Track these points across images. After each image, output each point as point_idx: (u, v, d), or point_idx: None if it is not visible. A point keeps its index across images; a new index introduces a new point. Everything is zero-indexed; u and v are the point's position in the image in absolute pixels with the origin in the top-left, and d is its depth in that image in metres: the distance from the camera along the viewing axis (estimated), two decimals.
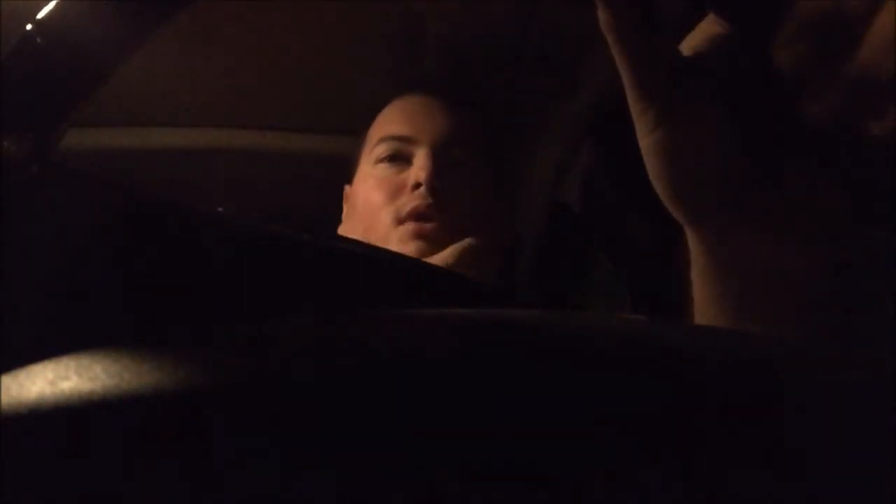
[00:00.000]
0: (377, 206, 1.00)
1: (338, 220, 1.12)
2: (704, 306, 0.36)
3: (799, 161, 0.33)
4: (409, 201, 0.98)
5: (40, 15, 0.34)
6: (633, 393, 0.21)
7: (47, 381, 0.20)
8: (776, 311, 0.34)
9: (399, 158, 1.02)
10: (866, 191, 0.32)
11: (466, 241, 0.95)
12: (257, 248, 0.33)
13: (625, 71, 0.34)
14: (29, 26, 0.34)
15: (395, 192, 1.00)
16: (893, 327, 0.32)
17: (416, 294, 0.36)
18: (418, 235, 0.96)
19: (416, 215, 0.97)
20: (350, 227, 1.07)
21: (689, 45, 0.35)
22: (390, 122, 1.06)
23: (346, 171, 1.14)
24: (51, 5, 0.35)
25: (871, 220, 0.32)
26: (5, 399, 0.19)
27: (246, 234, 0.34)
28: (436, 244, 0.96)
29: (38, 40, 0.34)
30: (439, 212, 0.97)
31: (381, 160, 1.03)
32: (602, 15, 0.33)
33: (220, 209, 0.37)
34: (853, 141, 0.30)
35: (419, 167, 0.99)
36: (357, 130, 1.21)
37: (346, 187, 1.12)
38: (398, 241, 0.96)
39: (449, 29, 1.14)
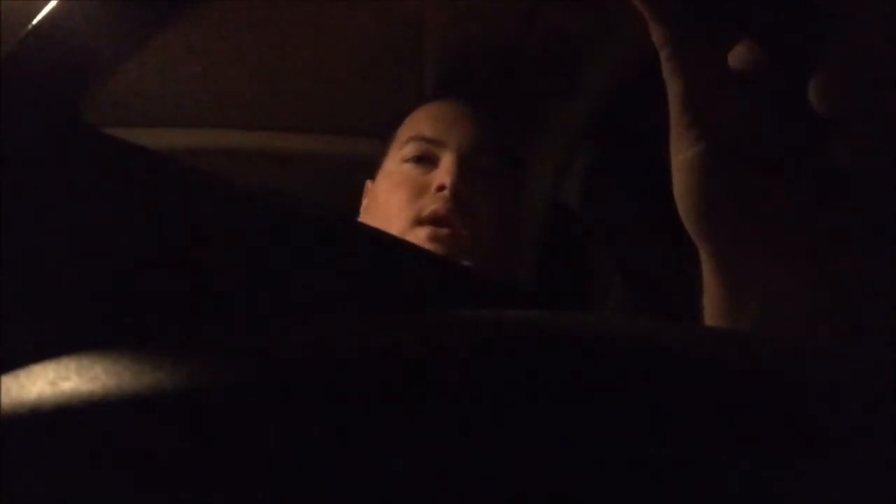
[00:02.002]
0: (398, 204, 1.00)
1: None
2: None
3: (825, 189, 0.32)
4: (431, 203, 0.98)
5: (40, 15, 0.34)
6: (635, 394, 0.21)
7: (47, 381, 0.20)
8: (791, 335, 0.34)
9: (426, 160, 1.03)
10: (892, 223, 0.32)
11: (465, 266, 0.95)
12: (292, 229, 0.33)
13: (674, 84, 0.34)
14: (29, 26, 0.34)
15: (417, 193, 1.00)
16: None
17: (428, 289, 0.36)
18: (434, 239, 0.97)
19: (436, 219, 0.97)
20: (368, 221, 1.07)
21: (733, 59, 0.35)
22: (420, 123, 1.07)
23: (345, 170, 1.14)
24: (50, 5, 0.35)
25: (888, 255, 0.32)
26: (5, 399, 0.19)
27: (278, 214, 0.34)
28: (451, 249, 0.96)
29: (39, 40, 0.34)
30: (459, 217, 0.98)
31: (407, 159, 1.04)
32: (656, 29, 0.33)
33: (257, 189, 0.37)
34: (882, 177, 0.30)
35: (445, 171, 1.00)
36: (357, 131, 1.21)
37: (368, 182, 1.12)
38: (414, 241, 0.97)
39: (449, 30, 1.14)
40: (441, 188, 0.99)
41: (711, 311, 0.36)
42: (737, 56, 0.34)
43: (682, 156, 0.34)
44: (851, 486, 0.20)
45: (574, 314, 0.24)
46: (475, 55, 1.15)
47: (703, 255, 0.35)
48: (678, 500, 0.19)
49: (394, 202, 1.01)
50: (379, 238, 0.37)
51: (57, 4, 0.35)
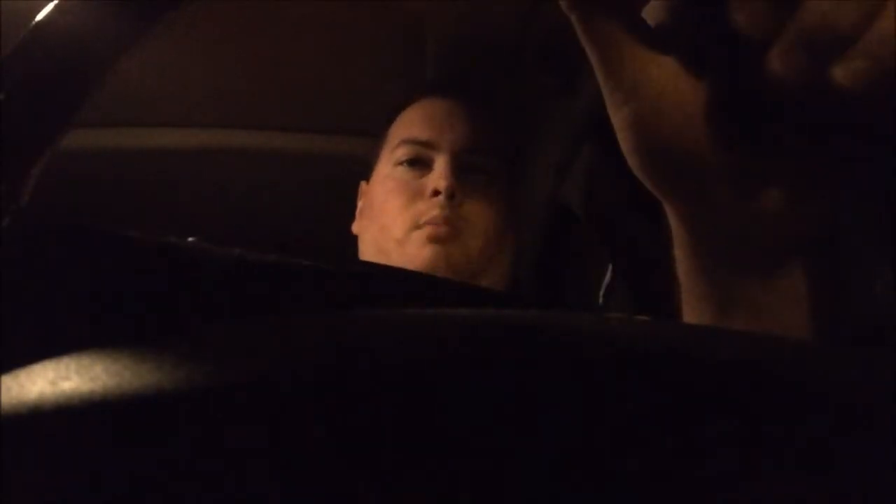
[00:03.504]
0: (395, 209, 1.00)
1: (335, 220, 1.12)
2: (686, 281, 0.36)
3: (767, 124, 0.33)
4: (428, 209, 0.98)
5: (40, 15, 0.34)
6: (632, 395, 0.21)
7: (48, 381, 0.20)
8: (756, 284, 0.34)
9: (419, 163, 1.02)
10: (836, 151, 0.32)
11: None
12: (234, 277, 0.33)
13: (591, 48, 0.34)
14: (29, 26, 0.34)
15: (413, 197, 1.00)
16: (873, 300, 0.32)
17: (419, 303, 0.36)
18: (434, 239, 0.97)
19: (434, 223, 0.97)
20: (365, 225, 1.07)
21: (648, 15, 0.35)
22: (412, 124, 1.06)
23: (345, 170, 1.14)
24: (51, 5, 0.35)
25: (844, 182, 0.32)
26: (5, 399, 0.19)
27: (222, 264, 0.34)
28: (452, 249, 0.96)
29: (39, 40, 0.34)
30: (457, 220, 0.98)
31: (400, 163, 1.03)
32: None
33: (191, 239, 0.37)
34: (818, 96, 0.30)
35: (439, 175, 0.99)
36: (356, 131, 1.21)
37: (363, 183, 1.12)
38: (414, 245, 0.97)
39: (449, 29, 1.14)
40: (436, 193, 0.98)
41: (679, 262, 0.36)
42: (652, 11, 0.35)
43: (616, 117, 0.35)
44: (852, 486, 0.20)
45: (573, 314, 0.24)
46: (475, 55, 1.16)
47: (665, 206, 0.36)
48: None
49: (390, 208, 1.01)
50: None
51: (57, 4, 0.35)
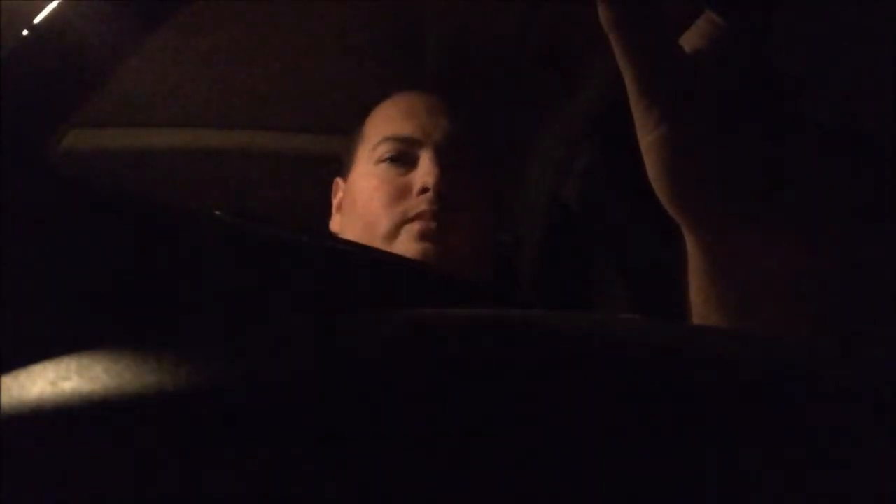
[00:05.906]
0: (380, 206, 0.99)
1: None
2: (702, 308, 0.36)
3: (797, 159, 0.33)
4: (416, 205, 0.97)
5: (40, 15, 0.34)
6: (633, 394, 0.21)
7: (48, 381, 0.20)
8: (774, 311, 0.34)
9: (403, 159, 1.01)
10: (866, 187, 0.32)
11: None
12: (256, 250, 0.33)
13: (627, 69, 0.34)
14: (29, 26, 0.34)
15: (399, 195, 0.99)
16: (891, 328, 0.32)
17: (412, 295, 0.36)
18: (424, 236, 0.96)
19: (423, 218, 0.97)
20: (347, 223, 1.06)
21: (686, 43, 0.35)
22: (392, 120, 1.05)
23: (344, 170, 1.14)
24: (51, 5, 0.35)
25: (869, 218, 0.32)
26: (5, 399, 0.19)
27: (245, 236, 0.34)
28: (441, 245, 0.96)
29: (37, 42, 0.34)
30: (445, 216, 0.97)
31: (383, 160, 1.02)
32: (603, 13, 0.33)
33: (217, 212, 0.37)
34: (850, 135, 0.30)
35: (426, 171, 0.99)
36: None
37: (338, 180, 1.11)
38: (403, 241, 0.96)
39: (449, 29, 1.14)
40: (424, 190, 0.98)
41: (695, 288, 0.36)
42: (690, 37, 0.35)
43: (646, 138, 0.34)
44: (851, 488, 0.20)
45: (573, 315, 0.24)
46: (476, 55, 1.15)
47: (685, 232, 0.36)
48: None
49: (375, 205, 1.00)
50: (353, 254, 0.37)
51: (57, 4, 0.35)
